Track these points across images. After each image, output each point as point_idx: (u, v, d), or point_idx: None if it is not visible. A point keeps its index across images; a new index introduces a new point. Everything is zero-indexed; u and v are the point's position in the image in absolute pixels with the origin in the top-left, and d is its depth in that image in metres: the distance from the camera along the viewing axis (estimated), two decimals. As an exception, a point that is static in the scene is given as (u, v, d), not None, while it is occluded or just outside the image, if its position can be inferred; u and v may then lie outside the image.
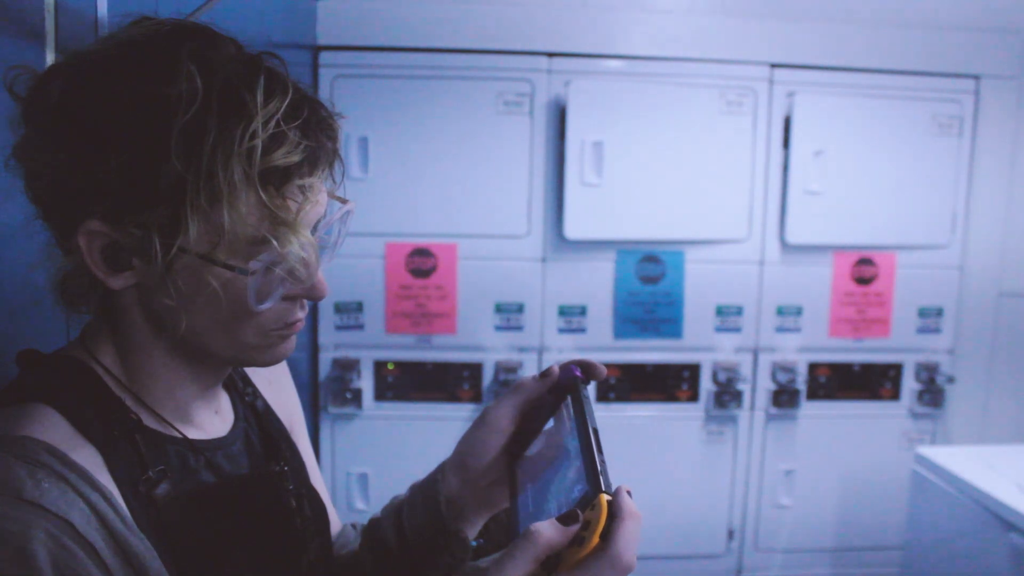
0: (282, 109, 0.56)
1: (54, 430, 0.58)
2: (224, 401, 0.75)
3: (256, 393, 0.81)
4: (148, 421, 0.65)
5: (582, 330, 2.35)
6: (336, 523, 0.89)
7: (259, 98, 0.56)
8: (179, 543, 0.61)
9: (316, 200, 0.61)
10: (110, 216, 0.57)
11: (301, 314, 0.66)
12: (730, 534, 2.48)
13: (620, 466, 2.54)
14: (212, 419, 0.72)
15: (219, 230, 0.57)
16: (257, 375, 0.84)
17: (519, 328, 2.33)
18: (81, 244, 0.58)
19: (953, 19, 2.35)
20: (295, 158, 0.57)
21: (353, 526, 0.92)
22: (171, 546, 0.61)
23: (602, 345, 2.36)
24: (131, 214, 0.56)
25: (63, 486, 0.54)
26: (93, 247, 0.58)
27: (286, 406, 0.86)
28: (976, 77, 2.36)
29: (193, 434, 0.68)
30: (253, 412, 0.79)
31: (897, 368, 2.45)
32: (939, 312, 2.45)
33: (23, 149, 0.59)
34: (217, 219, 0.56)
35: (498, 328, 2.32)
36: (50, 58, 0.82)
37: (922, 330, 2.45)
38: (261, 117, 0.55)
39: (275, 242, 0.58)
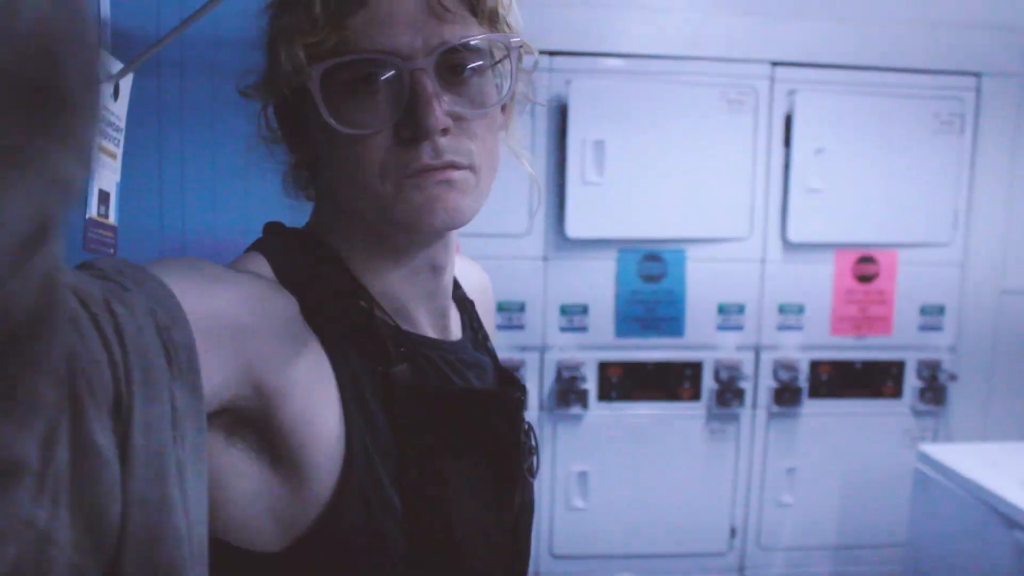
0: None
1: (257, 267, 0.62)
2: (455, 317, 0.75)
3: (487, 336, 0.81)
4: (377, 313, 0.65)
5: (584, 329, 2.35)
6: None
7: None
8: (403, 430, 0.61)
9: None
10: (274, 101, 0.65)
11: (427, 158, 0.60)
12: (732, 532, 2.48)
13: (622, 464, 2.55)
14: (442, 327, 0.72)
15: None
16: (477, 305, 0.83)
17: (520, 327, 2.33)
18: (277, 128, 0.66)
19: (954, 17, 2.35)
20: None
21: None
22: (395, 425, 0.61)
23: (604, 344, 2.36)
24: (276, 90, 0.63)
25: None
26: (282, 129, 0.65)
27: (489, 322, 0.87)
28: (977, 75, 2.36)
29: (423, 332, 0.69)
30: (485, 346, 0.79)
31: (899, 366, 2.45)
32: (941, 310, 2.45)
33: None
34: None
35: (499, 327, 2.32)
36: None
37: (924, 328, 2.45)
38: None
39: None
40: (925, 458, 2.13)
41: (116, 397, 0.38)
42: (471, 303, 0.81)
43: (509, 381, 0.77)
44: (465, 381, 0.70)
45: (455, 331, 0.74)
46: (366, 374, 0.61)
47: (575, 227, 2.25)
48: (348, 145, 0.60)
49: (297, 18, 0.59)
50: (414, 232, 0.64)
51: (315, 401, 0.58)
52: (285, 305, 0.59)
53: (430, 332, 0.70)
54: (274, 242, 0.66)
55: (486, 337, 0.81)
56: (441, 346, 0.69)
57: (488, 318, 0.86)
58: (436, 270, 0.69)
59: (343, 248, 0.66)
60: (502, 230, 2.26)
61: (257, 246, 0.66)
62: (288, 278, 0.61)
